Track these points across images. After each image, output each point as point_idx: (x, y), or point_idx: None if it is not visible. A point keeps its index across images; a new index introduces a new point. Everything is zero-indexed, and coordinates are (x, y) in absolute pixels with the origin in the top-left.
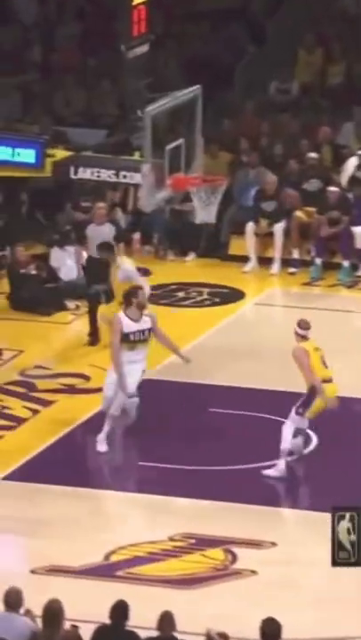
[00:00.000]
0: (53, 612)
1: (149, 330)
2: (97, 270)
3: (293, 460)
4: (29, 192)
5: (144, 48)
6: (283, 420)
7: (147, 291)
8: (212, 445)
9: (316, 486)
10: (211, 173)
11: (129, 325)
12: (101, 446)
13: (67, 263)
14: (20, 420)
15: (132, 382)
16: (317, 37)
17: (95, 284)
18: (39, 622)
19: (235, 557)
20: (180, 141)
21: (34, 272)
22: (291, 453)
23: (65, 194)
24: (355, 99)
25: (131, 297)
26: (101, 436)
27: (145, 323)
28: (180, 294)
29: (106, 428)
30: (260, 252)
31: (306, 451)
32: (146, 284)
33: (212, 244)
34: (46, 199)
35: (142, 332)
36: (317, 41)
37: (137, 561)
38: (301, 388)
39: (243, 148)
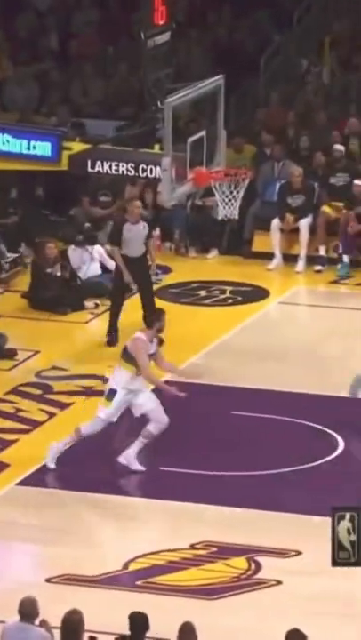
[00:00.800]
0: (74, 623)
1: (154, 354)
2: (132, 270)
3: (319, 467)
4: (43, 186)
5: (165, 36)
6: (308, 423)
7: None
8: (235, 450)
9: (344, 493)
10: (235, 167)
11: (151, 347)
12: (136, 465)
13: (86, 262)
14: (35, 424)
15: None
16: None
17: (128, 284)
18: (55, 633)
19: (258, 567)
20: (202, 133)
21: (59, 274)
22: None
23: (81, 188)
24: None
25: (155, 320)
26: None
27: (154, 345)
28: (202, 293)
29: (136, 446)
30: (284, 248)
31: (333, 456)
32: None
33: (234, 240)
34: (61, 194)
35: (152, 355)
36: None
37: (156, 570)
38: (327, 390)
39: (264, 139)
